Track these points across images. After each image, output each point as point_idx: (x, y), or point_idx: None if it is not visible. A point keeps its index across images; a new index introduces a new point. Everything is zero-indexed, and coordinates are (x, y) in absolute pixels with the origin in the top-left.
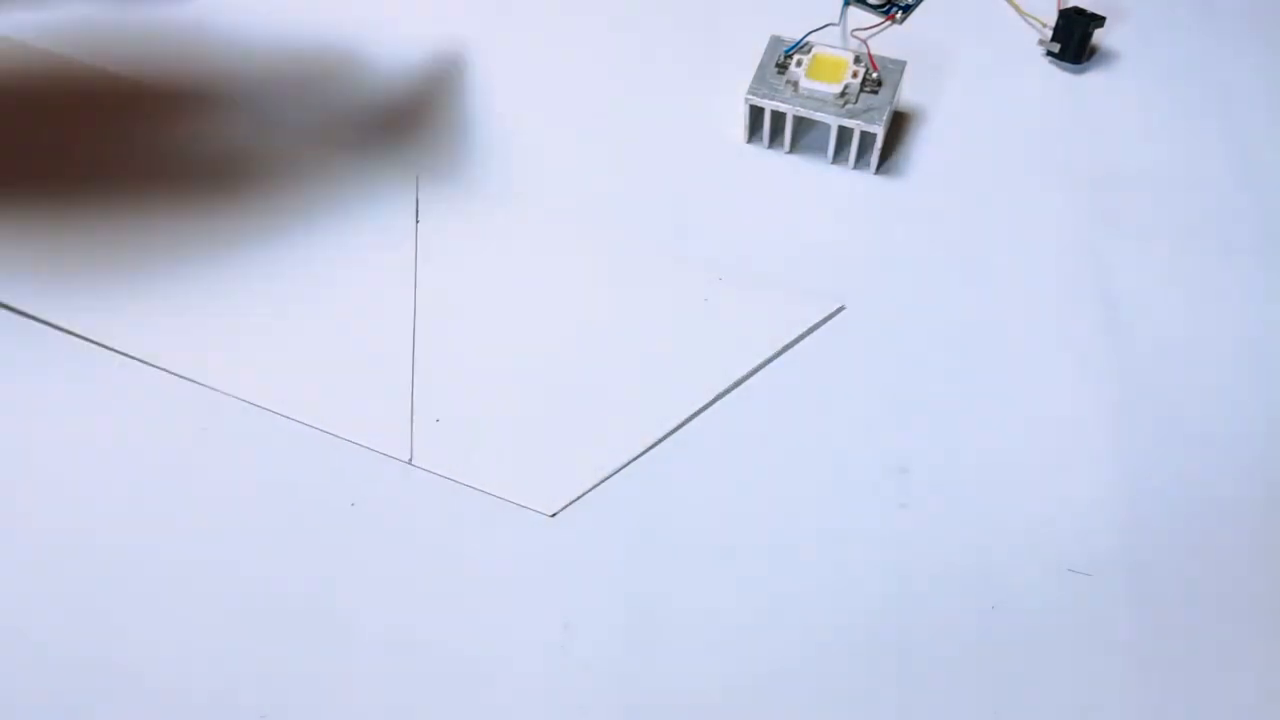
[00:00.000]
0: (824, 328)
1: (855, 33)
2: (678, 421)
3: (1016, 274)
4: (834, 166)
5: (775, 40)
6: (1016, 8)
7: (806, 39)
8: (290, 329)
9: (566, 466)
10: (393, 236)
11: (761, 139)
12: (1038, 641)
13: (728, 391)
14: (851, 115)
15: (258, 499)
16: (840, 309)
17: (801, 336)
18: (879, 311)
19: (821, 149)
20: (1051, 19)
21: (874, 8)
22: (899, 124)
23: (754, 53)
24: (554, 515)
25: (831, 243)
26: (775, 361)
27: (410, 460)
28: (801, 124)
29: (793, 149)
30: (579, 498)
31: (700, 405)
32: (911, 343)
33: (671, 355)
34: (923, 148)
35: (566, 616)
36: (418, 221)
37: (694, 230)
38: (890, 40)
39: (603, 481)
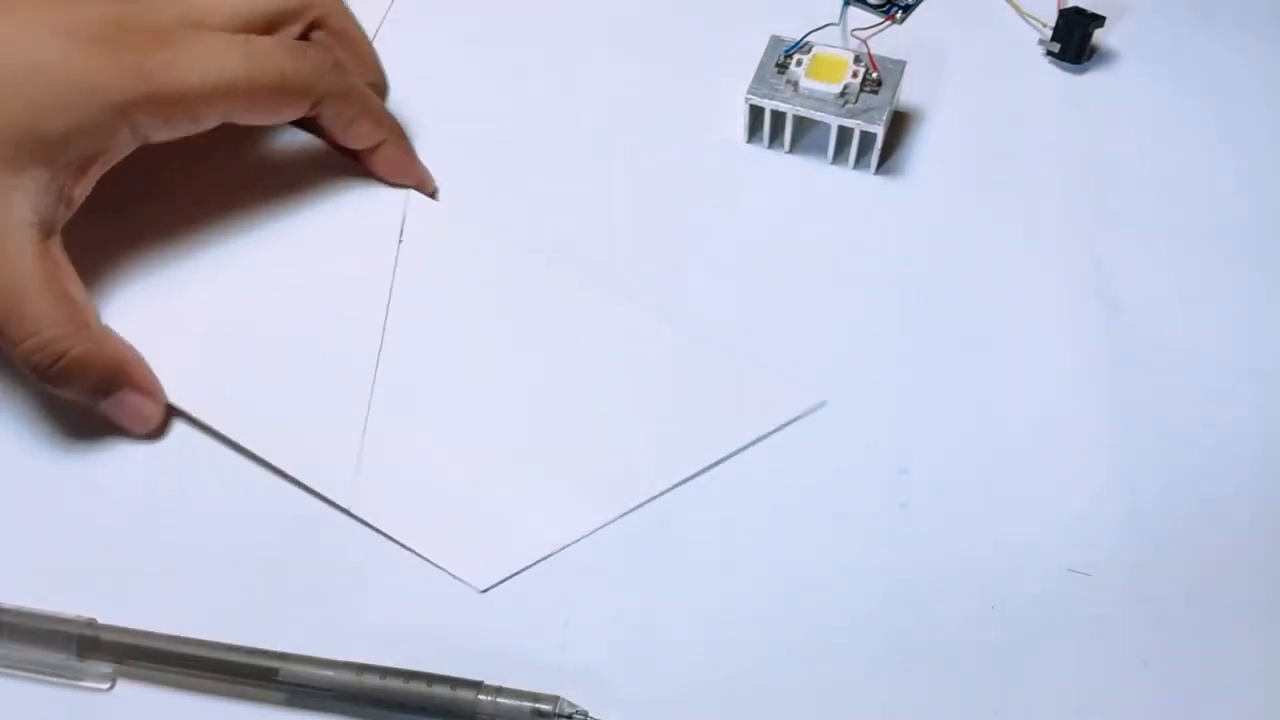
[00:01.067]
0: (823, 327)
1: (855, 33)
2: (652, 493)
3: (1016, 274)
4: (834, 166)
5: (775, 40)
6: (1016, 8)
7: (806, 39)
8: (250, 342)
9: (513, 538)
10: (373, 254)
11: (761, 139)
12: (1038, 641)
13: (702, 472)
14: (851, 115)
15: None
16: (822, 404)
17: (780, 427)
18: (878, 311)
19: (821, 149)
20: (1051, 19)
21: (874, 8)
22: (899, 124)
23: (754, 53)
24: (484, 591)
25: (831, 242)
26: (779, 363)
27: (350, 509)
28: (801, 124)
29: (793, 149)
30: (517, 573)
31: (673, 484)
32: (911, 341)
33: (651, 425)
34: (923, 148)
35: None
36: (400, 241)
37: (694, 231)
38: (890, 40)
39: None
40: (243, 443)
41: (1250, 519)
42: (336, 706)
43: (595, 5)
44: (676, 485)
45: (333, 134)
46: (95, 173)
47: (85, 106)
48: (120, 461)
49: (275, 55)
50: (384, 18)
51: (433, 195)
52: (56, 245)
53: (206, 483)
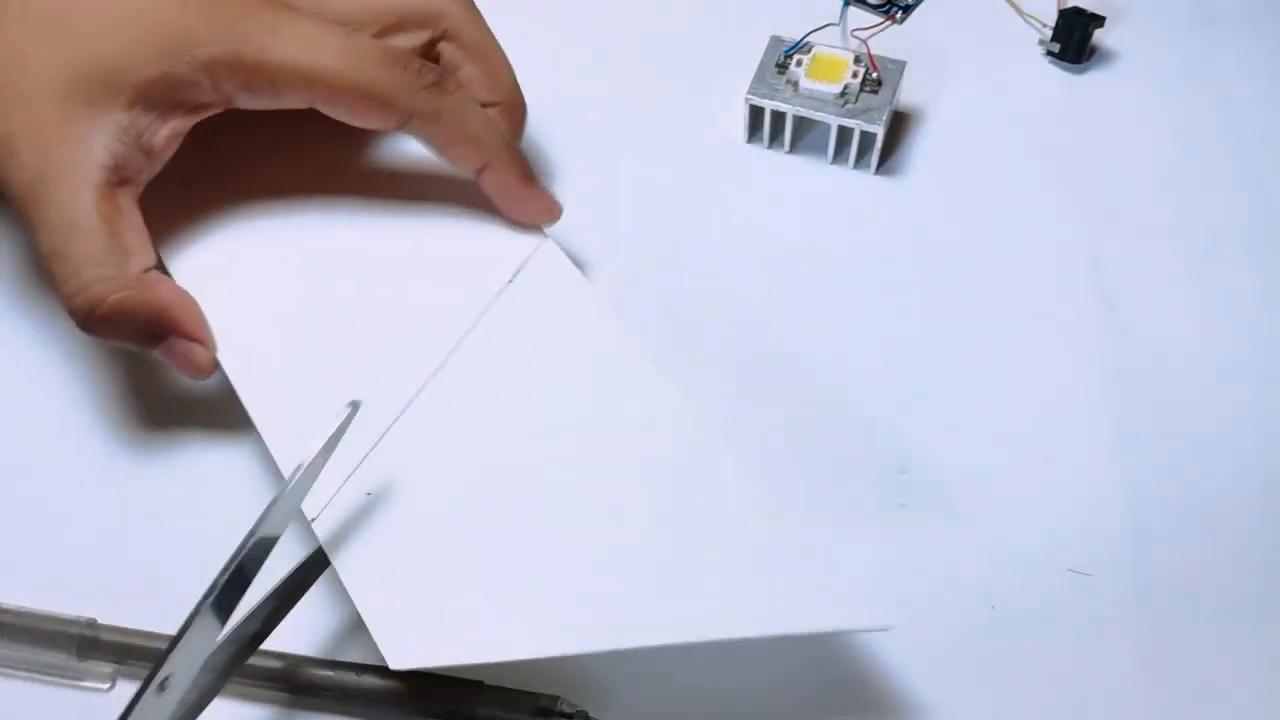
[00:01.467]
0: (823, 327)
1: (855, 33)
2: (634, 645)
3: (1016, 274)
4: (834, 166)
5: (775, 40)
6: (1016, 8)
7: (806, 39)
8: (310, 321)
9: (457, 632)
10: (474, 284)
11: (761, 139)
12: (1038, 641)
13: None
14: (851, 115)
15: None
16: (887, 628)
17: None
18: (878, 311)
19: (821, 149)
20: (1051, 19)
21: (874, 8)
22: (899, 124)
23: (754, 53)
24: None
25: (831, 243)
26: (779, 364)
27: (311, 520)
28: (801, 124)
29: (793, 149)
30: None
31: (665, 644)
32: (911, 342)
33: (674, 570)
34: (923, 148)
35: None
36: (510, 282)
37: (694, 231)
38: (890, 40)
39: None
40: (251, 413)
41: (1250, 519)
42: (338, 707)
43: (595, 5)
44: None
45: (436, 154)
46: (178, 125)
47: (170, 54)
48: (121, 461)
49: (368, 59)
50: None
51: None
52: (127, 194)
53: (208, 483)
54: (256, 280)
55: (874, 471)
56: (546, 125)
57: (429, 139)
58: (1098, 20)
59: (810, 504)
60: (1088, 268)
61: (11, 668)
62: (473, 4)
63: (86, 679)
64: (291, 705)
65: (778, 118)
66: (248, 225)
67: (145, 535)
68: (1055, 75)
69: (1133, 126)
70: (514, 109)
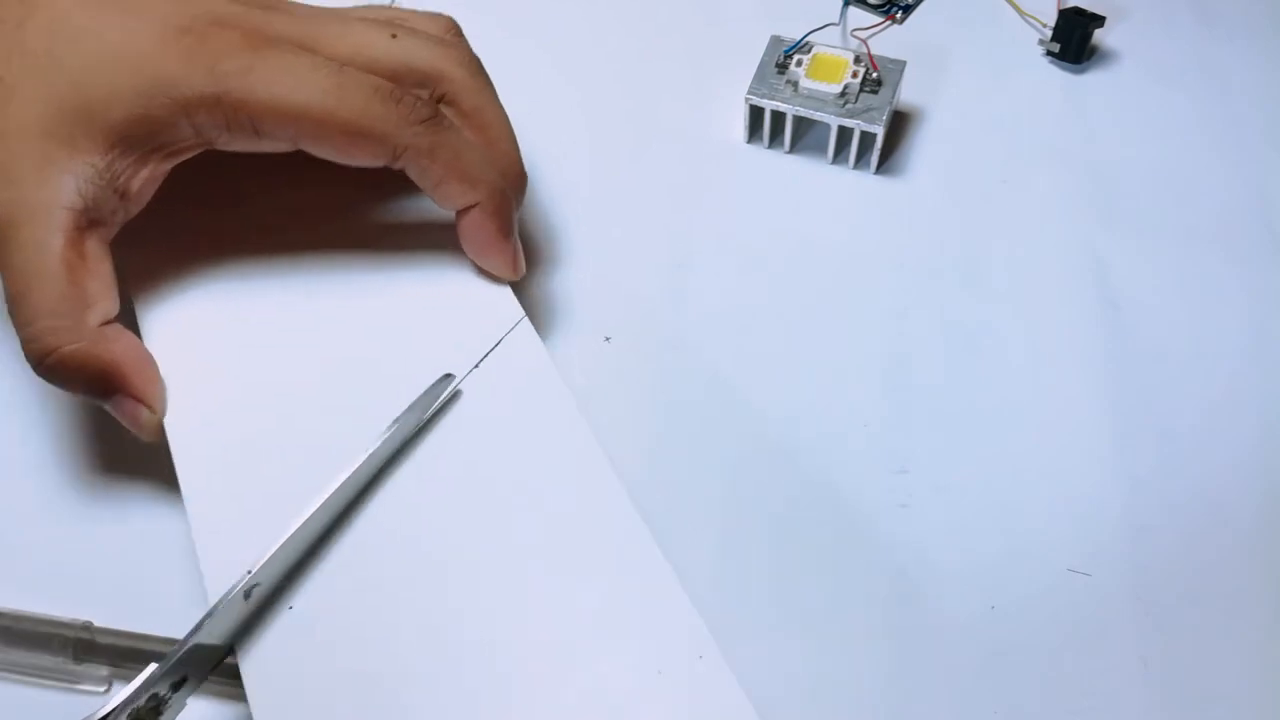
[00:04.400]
0: (823, 327)
1: (855, 33)
2: None
3: (1016, 274)
4: (834, 166)
5: (775, 40)
6: (1016, 8)
7: (806, 39)
8: (262, 388)
9: None
10: (438, 362)
11: (761, 139)
12: (1038, 641)
13: None
14: (851, 115)
15: None
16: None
17: None
18: (878, 311)
19: (821, 149)
20: (1051, 19)
21: (874, 8)
22: (899, 124)
23: (754, 53)
24: None
25: (831, 242)
26: (779, 364)
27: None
28: (801, 124)
29: (793, 149)
30: None
31: None
32: (911, 342)
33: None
34: (923, 148)
35: None
36: (475, 368)
37: (694, 231)
38: (890, 40)
39: None
40: (184, 494)
41: (1250, 519)
42: None
43: (595, 5)
44: None
45: (425, 192)
46: (158, 169)
47: (149, 94)
48: (117, 464)
49: (357, 93)
50: None
51: (515, 284)
52: (97, 237)
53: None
54: (224, 339)
55: (874, 471)
56: (546, 125)
57: (421, 175)
58: (1098, 20)
59: (807, 505)
60: (1088, 268)
61: (7, 671)
62: (479, 67)
63: (82, 682)
64: None
65: (778, 118)
66: (225, 277)
67: (145, 536)
68: (1055, 75)
69: (1133, 126)
70: (517, 185)
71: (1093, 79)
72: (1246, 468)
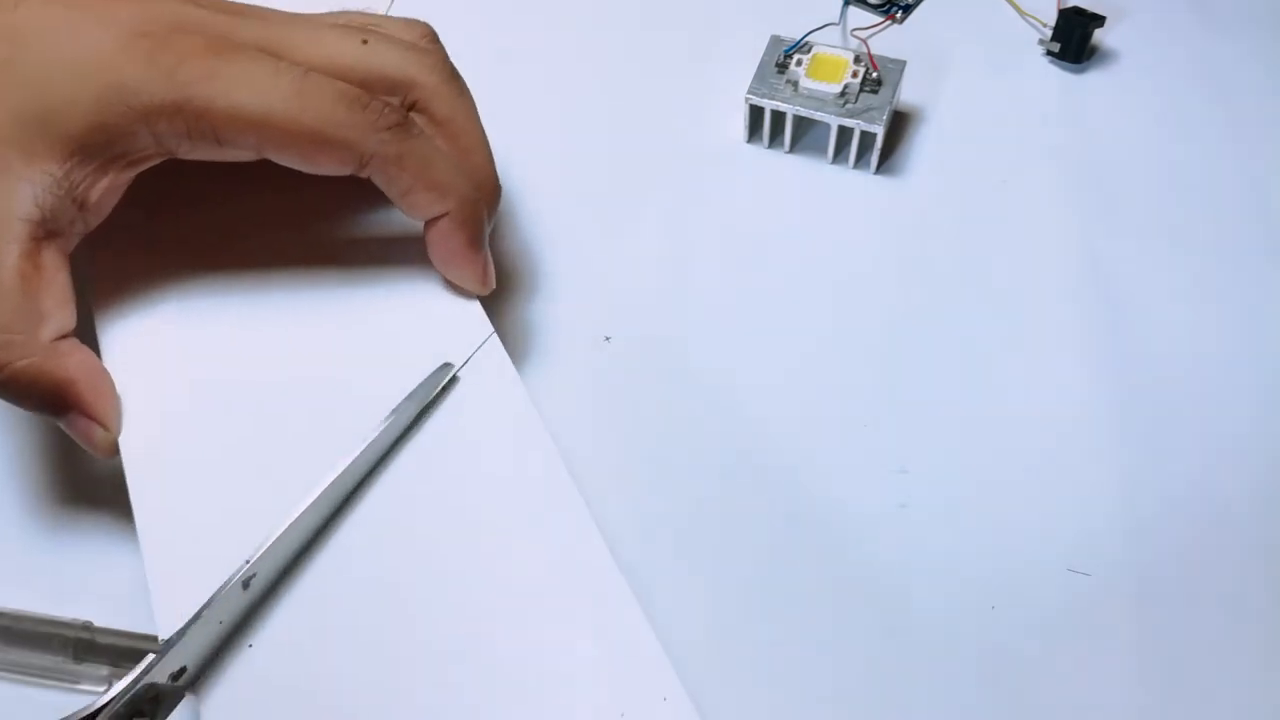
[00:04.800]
0: (823, 327)
1: (855, 32)
2: None
3: (1016, 274)
4: (834, 166)
5: (775, 40)
6: (1016, 8)
7: (806, 39)
8: (221, 409)
9: None
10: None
11: (761, 139)
12: (1038, 641)
13: None
14: (851, 115)
15: None
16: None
17: None
18: (878, 311)
19: (821, 149)
20: (1051, 19)
21: (874, 8)
22: (899, 124)
23: (754, 53)
24: None
25: (831, 242)
26: (779, 364)
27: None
28: (801, 124)
29: (793, 149)
30: None
31: None
32: (911, 342)
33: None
34: (923, 148)
35: None
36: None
37: (694, 231)
38: (890, 40)
39: None
40: (134, 503)
41: (1250, 519)
42: None
43: (595, 5)
44: None
45: (393, 200)
46: (118, 179)
47: (107, 103)
48: (117, 463)
49: (323, 99)
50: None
51: (485, 297)
52: (55, 249)
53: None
54: (187, 354)
55: (873, 471)
56: (546, 125)
57: (388, 184)
58: (1098, 20)
59: (807, 505)
60: (1088, 268)
61: (8, 671)
62: (453, 75)
63: (83, 682)
64: None
65: (778, 117)
66: (188, 290)
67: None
68: (1055, 75)
69: (1133, 126)
70: (490, 196)
71: (1093, 79)
72: (1246, 467)
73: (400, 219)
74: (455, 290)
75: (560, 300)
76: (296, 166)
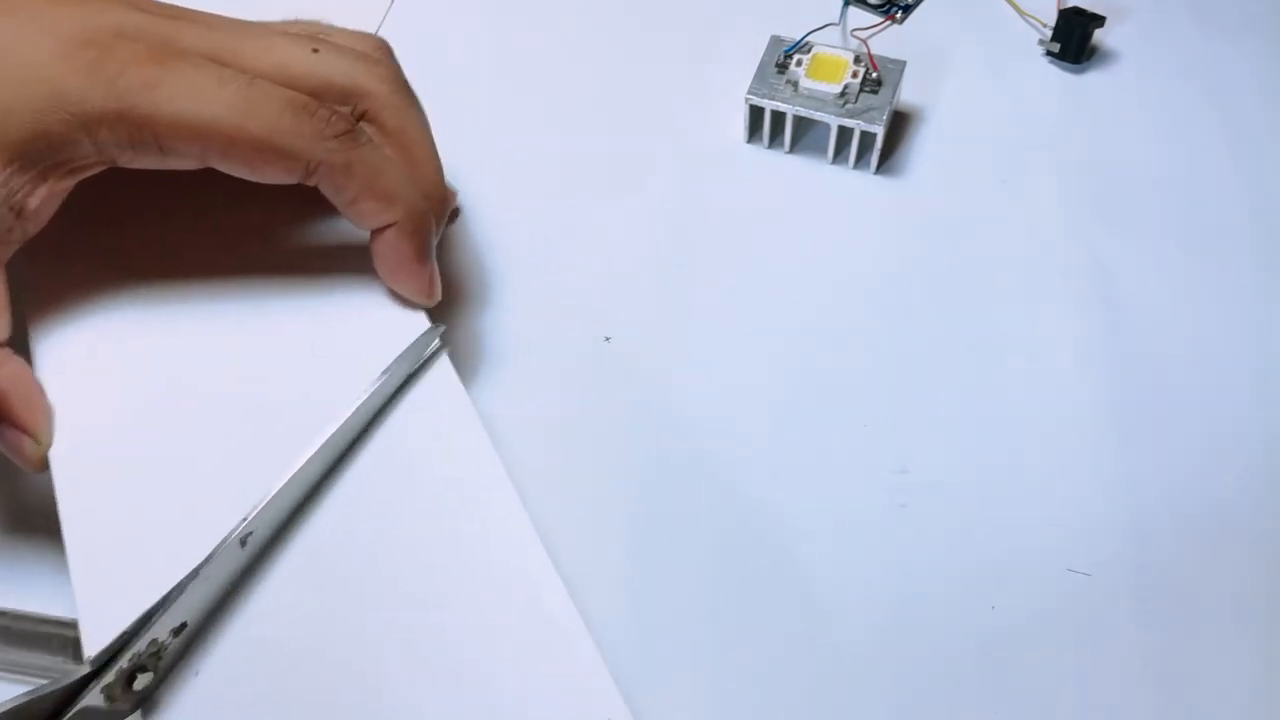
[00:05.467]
0: (823, 327)
1: (855, 33)
2: None
3: (1016, 274)
4: (834, 166)
5: (775, 40)
6: (1016, 8)
7: (806, 39)
8: (157, 421)
9: None
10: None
11: (761, 139)
12: (1038, 641)
13: None
14: (851, 115)
15: None
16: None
17: None
18: (878, 311)
19: (821, 149)
20: (1051, 19)
21: (874, 8)
22: (899, 124)
23: (754, 53)
24: None
25: (831, 242)
26: (779, 364)
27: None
28: (801, 124)
29: (793, 149)
30: None
31: None
32: (911, 342)
33: None
34: (923, 148)
35: None
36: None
37: (694, 231)
38: (890, 40)
39: None
40: (62, 519)
41: (1250, 519)
42: None
43: (595, 5)
44: None
45: (340, 209)
46: (57, 187)
47: (46, 111)
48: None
49: (268, 106)
50: (383, 19)
51: (431, 310)
52: None
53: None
54: (123, 366)
55: (874, 471)
56: (546, 125)
57: (335, 193)
58: (1098, 20)
59: (807, 505)
60: (1087, 267)
61: (7, 671)
62: (403, 85)
63: None
64: None
65: (778, 118)
66: (127, 299)
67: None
68: (1055, 75)
69: (1133, 126)
70: (440, 207)
71: (1093, 79)
72: (1246, 467)
73: (346, 228)
74: (401, 301)
75: (560, 300)
76: (242, 175)
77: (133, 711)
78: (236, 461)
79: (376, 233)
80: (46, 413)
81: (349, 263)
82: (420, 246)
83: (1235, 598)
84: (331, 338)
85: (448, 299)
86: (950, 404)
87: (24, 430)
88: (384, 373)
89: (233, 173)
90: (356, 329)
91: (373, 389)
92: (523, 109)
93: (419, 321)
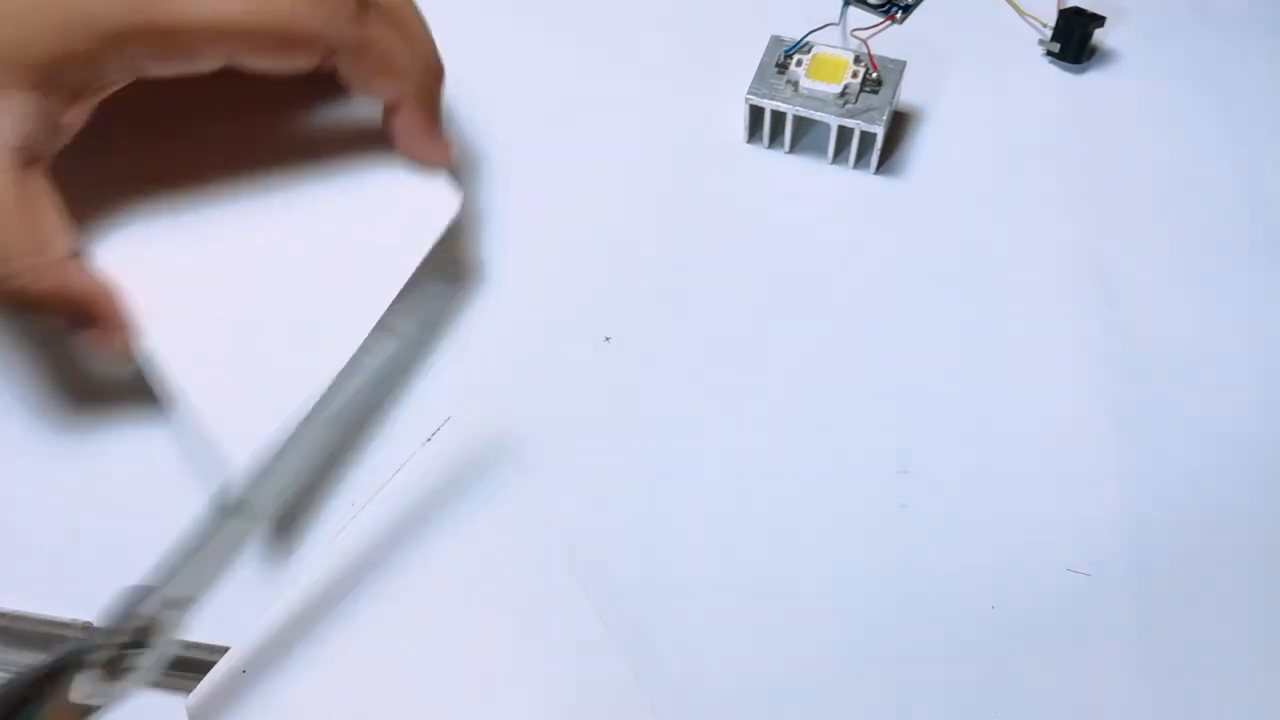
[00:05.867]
0: (824, 327)
1: (855, 33)
2: None
3: (1016, 274)
4: (834, 166)
5: (775, 40)
6: (1016, 8)
7: (806, 39)
8: (222, 308)
9: None
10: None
11: (761, 139)
12: (1038, 641)
13: None
14: (851, 115)
15: None
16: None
17: None
18: (878, 311)
19: (821, 149)
20: (1051, 19)
21: (874, 8)
22: (899, 124)
23: (754, 53)
24: None
25: (831, 243)
26: (779, 364)
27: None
28: (801, 124)
29: (793, 149)
30: None
31: None
32: (911, 342)
33: None
34: (923, 148)
35: None
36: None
37: (694, 231)
38: (890, 40)
39: None
40: (174, 394)
41: (1250, 518)
42: None
43: (595, 6)
44: None
45: (353, 91)
46: (88, 101)
47: (75, 31)
48: (116, 463)
49: None
50: None
51: (453, 173)
52: (38, 174)
53: (201, 486)
54: (168, 273)
55: (874, 471)
56: (546, 125)
57: (351, 72)
58: (1098, 20)
59: (807, 505)
60: (1088, 268)
61: (7, 671)
62: None
63: None
64: None
65: (778, 118)
66: (164, 203)
67: (140, 537)
68: (1055, 75)
69: (1133, 126)
70: (435, 79)
71: (1093, 79)
72: (1247, 467)
73: (352, 118)
74: (420, 169)
75: (560, 300)
76: (265, 68)
77: (132, 683)
78: (313, 330)
79: (389, 113)
80: (130, 312)
81: (362, 147)
82: (431, 116)
83: (1235, 597)
84: (364, 217)
85: None
86: (950, 404)
87: (117, 328)
88: (389, 331)
89: (255, 67)
90: (385, 206)
91: (378, 349)
92: (523, 109)
93: (440, 185)
